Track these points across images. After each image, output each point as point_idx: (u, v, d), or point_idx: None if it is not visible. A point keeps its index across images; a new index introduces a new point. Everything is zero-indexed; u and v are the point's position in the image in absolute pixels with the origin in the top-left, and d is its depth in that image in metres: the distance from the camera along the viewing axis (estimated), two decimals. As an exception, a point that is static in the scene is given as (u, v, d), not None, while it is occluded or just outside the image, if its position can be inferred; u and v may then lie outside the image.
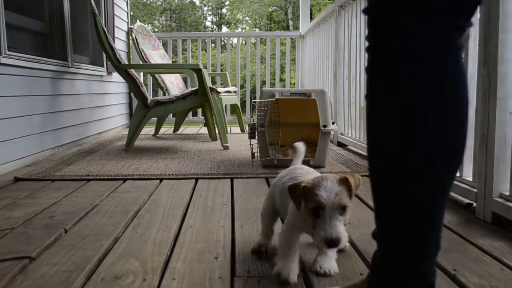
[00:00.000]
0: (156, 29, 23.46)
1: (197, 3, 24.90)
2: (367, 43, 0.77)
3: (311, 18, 5.59)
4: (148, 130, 4.77)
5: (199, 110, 5.32)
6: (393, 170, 0.76)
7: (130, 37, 5.28)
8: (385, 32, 0.74)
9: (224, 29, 25.63)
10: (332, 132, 3.57)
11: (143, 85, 3.44)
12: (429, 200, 0.81)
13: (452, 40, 0.72)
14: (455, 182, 1.77)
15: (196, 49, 5.69)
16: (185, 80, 4.79)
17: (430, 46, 0.71)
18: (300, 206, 0.99)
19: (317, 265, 1.10)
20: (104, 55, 4.24)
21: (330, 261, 1.12)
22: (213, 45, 11.64)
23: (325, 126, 2.46)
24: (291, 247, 1.08)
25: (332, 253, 1.13)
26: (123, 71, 3.28)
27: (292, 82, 10.94)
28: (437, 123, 0.72)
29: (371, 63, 0.77)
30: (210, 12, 26.08)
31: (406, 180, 0.76)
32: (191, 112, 4.91)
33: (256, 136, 2.52)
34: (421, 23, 0.70)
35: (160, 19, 24.85)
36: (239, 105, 4.47)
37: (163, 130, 4.67)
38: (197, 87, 3.36)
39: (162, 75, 4.19)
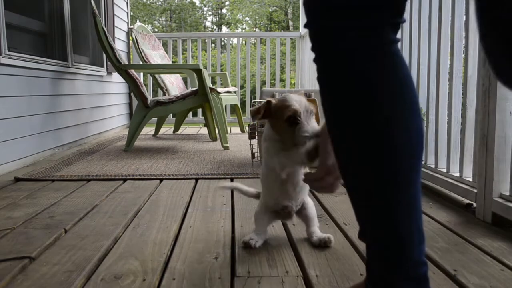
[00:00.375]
0: (156, 29, 23.47)
1: (197, 3, 24.91)
2: (310, 45, 0.81)
3: (311, 18, 5.58)
4: (148, 130, 4.77)
5: (199, 110, 5.32)
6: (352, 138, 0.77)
7: (130, 37, 5.28)
8: (323, 33, 0.77)
9: (224, 29, 25.64)
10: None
11: (143, 85, 3.44)
12: (395, 179, 0.81)
13: (385, 34, 0.75)
14: (455, 182, 1.78)
15: (196, 49, 5.69)
16: (185, 80, 4.79)
17: (366, 42, 0.74)
18: (273, 120, 1.14)
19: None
20: (104, 55, 4.24)
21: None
22: (213, 45, 11.65)
23: (325, 126, 2.46)
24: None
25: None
26: (123, 71, 3.29)
27: (292, 82, 10.94)
28: (385, 101, 0.75)
29: (315, 61, 0.80)
30: (210, 12, 26.09)
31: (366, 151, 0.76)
32: (191, 112, 4.91)
33: (256, 136, 2.52)
34: (354, 21, 0.74)
35: (160, 19, 24.86)
36: (239, 105, 4.47)
37: (163, 130, 4.67)
38: (197, 87, 3.36)
39: (162, 75, 4.19)
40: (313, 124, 1.11)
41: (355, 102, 0.75)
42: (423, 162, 2.10)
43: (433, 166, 2.01)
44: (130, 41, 5.35)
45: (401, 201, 0.82)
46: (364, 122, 0.75)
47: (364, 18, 0.74)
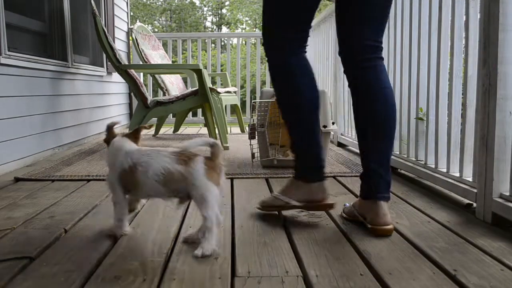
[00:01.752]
0: (156, 29, 23.46)
1: (197, 3, 24.89)
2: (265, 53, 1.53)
3: (311, 18, 5.58)
4: (148, 130, 4.76)
5: (199, 110, 5.31)
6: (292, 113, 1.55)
7: (130, 37, 5.28)
8: (270, 45, 1.51)
9: (224, 29, 25.63)
10: (332, 133, 3.57)
11: (143, 85, 3.44)
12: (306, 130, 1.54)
13: (299, 53, 1.50)
14: (455, 182, 1.78)
15: (196, 49, 5.69)
16: (185, 80, 4.79)
17: (296, 53, 1.49)
18: None
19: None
20: (104, 55, 4.24)
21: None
22: (213, 45, 11.64)
23: (325, 126, 2.46)
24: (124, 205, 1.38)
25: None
26: (123, 71, 3.29)
27: (292, 82, 10.91)
28: (308, 90, 1.53)
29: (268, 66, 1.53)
30: (210, 13, 26.07)
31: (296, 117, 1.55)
32: (191, 112, 4.91)
33: (256, 137, 2.52)
34: (289, 37, 1.47)
35: (160, 19, 24.85)
36: (239, 105, 4.47)
37: (163, 130, 4.66)
38: (197, 88, 3.36)
39: (162, 76, 4.19)
40: None
41: (286, 88, 1.52)
42: (423, 162, 2.10)
43: (433, 166, 2.01)
44: (130, 41, 5.35)
45: (306, 124, 1.53)
46: (289, 96, 1.52)
47: (287, 47, 1.47)
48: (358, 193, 1.93)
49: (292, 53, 1.47)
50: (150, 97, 3.49)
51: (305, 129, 1.51)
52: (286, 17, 1.44)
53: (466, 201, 1.76)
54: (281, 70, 1.49)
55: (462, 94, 1.81)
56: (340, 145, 3.56)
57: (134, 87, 3.35)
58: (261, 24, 1.51)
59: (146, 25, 20.97)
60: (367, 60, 1.46)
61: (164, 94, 4.16)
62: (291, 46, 1.47)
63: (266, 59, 1.53)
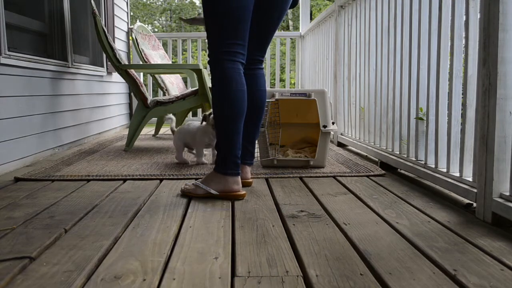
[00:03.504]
0: (156, 29, 23.46)
1: (197, 3, 24.88)
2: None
3: (311, 18, 5.59)
4: (148, 130, 4.77)
5: (199, 110, 5.31)
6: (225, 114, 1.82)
7: (130, 37, 5.28)
8: (214, 53, 1.81)
9: (224, 29, 25.57)
10: (332, 132, 3.57)
11: (143, 85, 3.44)
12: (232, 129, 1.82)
13: (237, 60, 1.81)
14: (455, 182, 1.78)
15: (196, 49, 5.68)
16: (185, 80, 4.79)
17: (228, 62, 1.79)
18: None
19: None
20: (104, 55, 4.24)
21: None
22: (213, 45, 11.62)
23: (325, 126, 2.46)
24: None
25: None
26: (123, 71, 3.28)
27: (292, 82, 10.93)
28: (236, 99, 1.80)
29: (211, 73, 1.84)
30: (210, 12, 26.03)
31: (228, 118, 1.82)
32: (191, 112, 4.91)
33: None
34: (227, 55, 1.79)
35: (160, 19, 24.84)
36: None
37: (163, 130, 4.67)
38: (197, 87, 3.36)
39: (162, 75, 4.19)
40: None
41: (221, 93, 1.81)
42: (423, 162, 2.10)
43: (433, 166, 2.01)
44: (130, 41, 5.34)
45: (232, 129, 1.80)
46: (225, 97, 1.80)
47: (230, 60, 1.80)
48: (358, 193, 1.93)
49: (231, 66, 1.79)
50: (150, 97, 3.49)
51: (231, 132, 1.80)
52: (228, 33, 1.76)
53: (466, 201, 1.76)
54: (221, 79, 1.79)
55: (462, 94, 1.81)
56: (340, 145, 3.56)
57: (134, 87, 3.35)
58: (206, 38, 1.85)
59: (146, 25, 20.97)
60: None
61: (164, 94, 4.16)
62: (231, 59, 1.79)
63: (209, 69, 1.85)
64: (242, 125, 1.83)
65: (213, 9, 1.77)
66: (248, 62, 1.96)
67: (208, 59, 1.83)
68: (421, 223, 1.50)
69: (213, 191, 1.82)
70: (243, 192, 1.85)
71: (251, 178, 2.13)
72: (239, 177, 1.85)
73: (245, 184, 2.03)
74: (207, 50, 1.83)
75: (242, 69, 1.84)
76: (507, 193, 1.46)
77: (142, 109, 3.33)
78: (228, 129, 1.80)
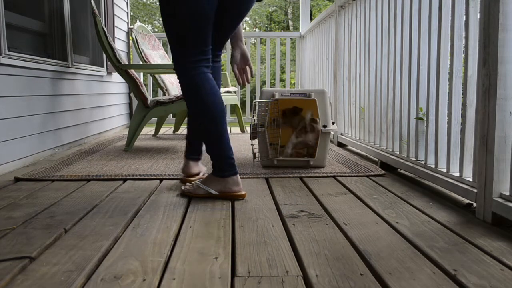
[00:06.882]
0: (156, 29, 23.45)
1: (197, 3, 24.85)
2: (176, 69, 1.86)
3: (311, 19, 5.59)
4: (148, 130, 4.77)
5: (199, 110, 5.30)
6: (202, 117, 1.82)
7: (130, 37, 5.28)
8: (179, 62, 1.83)
9: (224, 29, 25.56)
10: (332, 132, 3.57)
11: (143, 85, 3.44)
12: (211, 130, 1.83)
13: (203, 66, 1.81)
14: (455, 182, 1.78)
15: (196, 49, 5.69)
16: (185, 80, 4.77)
17: (194, 69, 1.80)
18: None
19: None
20: (104, 55, 4.24)
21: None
22: (213, 45, 11.61)
23: (325, 126, 2.46)
24: None
25: None
26: (123, 71, 3.28)
27: (292, 82, 10.93)
28: (208, 99, 1.79)
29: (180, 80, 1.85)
30: (210, 12, 26.03)
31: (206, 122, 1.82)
32: (191, 112, 4.89)
33: (258, 137, 2.52)
34: (191, 63, 1.80)
35: (160, 19, 24.83)
36: (239, 105, 4.47)
37: (163, 130, 4.67)
38: (197, 87, 3.35)
39: (162, 75, 4.19)
40: None
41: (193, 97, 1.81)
42: (423, 162, 2.10)
43: (433, 166, 2.01)
44: (130, 41, 5.34)
45: (214, 133, 1.81)
46: (197, 103, 1.80)
47: (195, 68, 1.80)
48: (358, 193, 1.93)
49: (196, 73, 1.79)
50: (150, 97, 3.49)
51: (215, 136, 1.81)
52: (189, 42, 1.78)
53: (466, 201, 1.76)
54: (189, 89, 1.81)
55: (462, 94, 1.81)
56: (340, 145, 3.56)
57: (134, 87, 3.35)
58: (171, 47, 1.85)
59: (146, 25, 20.96)
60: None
61: (164, 94, 4.16)
62: (195, 66, 1.80)
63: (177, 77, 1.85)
64: (225, 125, 1.82)
65: (172, 21, 1.78)
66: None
67: (174, 69, 1.85)
68: (421, 223, 1.50)
69: (213, 191, 1.83)
70: (243, 193, 1.85)
71: (252, 177, 2.13)
72: (238, 176, 1.85)
73: (187, 181, 2.07)
74: (172, 60, 1.85)
75: (209, 71, 1.83)
76: (507, 193, 1.46)
77: (142, 109, 3.33)
78: (210, 134, 1.81)
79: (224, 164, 1.82)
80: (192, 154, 2.13)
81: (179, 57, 1.81)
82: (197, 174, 2.14)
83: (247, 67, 2.16)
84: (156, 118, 4.38)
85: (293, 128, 2.47)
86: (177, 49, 1.82)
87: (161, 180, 2.23)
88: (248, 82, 2.21)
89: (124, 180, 2.22)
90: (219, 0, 1.80)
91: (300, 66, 5.57)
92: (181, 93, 3.48)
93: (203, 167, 2.21)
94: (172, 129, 4.68)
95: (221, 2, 1.82)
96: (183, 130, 4.89)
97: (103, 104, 4.29)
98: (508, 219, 1.42)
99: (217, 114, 1.79)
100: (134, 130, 3.26)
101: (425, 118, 2.10)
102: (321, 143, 2.47)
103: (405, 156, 2.32)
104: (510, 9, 1.44)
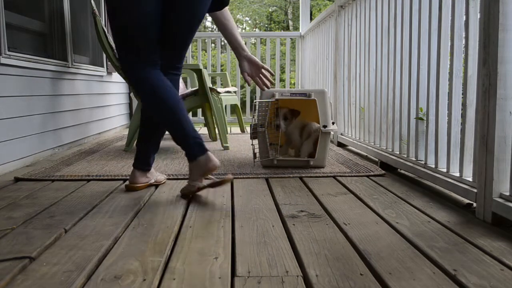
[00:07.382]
0: (156, 29, 23.40)
1: (197, 3, 24.86)
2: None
3: (311, 19, 5.59)
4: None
5: (199, 110, 5.31)
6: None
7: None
8: (126, 66, 1.88)
9: (224, 29, 25.54)
10: (332, 132, 3.57)
11: (143, 85, 3.43)
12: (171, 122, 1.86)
13: (156, 69, 1.85)
14: (455, 182, 1.78)
15: (196, 49, 5.68)
16: (185, 80, 4.79)
17: (143, 71, 1.83)
18: None
19: None
20: (104, 55, 4.24)
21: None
22: (213, 45, 11.64)
23: (325, 126, 2.46)
24: None
25: None
26: (123, 71, 3.28)
27: (292, 82, 10.94)
28: (159, 98, 1.81)
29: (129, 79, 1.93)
30: (210, 12, 26.02)
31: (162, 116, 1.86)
32: (191, 112, 4.90)
33: (258, 137, 2.52)
34: (136, 63, 1.83)
35: (160, 19, 24.81)
36: (239, 105, 4.47)
37: (163, 130, 4.66)
38: (197, 88, 3.36)
39: (162, 75, 4.18)
40: None
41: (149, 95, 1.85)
42: (423, 162, 2.10)
43: (433, 166, 2.01)
44: (130, 41, 5.33)
45: (173, 121, 1.84)
46: (154, 100, 1.83)
47: (140, 69, 1.84)
48: (358, 193, 1.93)
49: (142, 71, 1.82)
50: (150, 97, 3.48)
51: (176, 124, 1.81)
52: (132, 43, 1.80)
53: (466, 201, 1.76)
54: (138, 87, 1.85)
55: (462, 94, 1.81)
56: (340, 145, 3.56)
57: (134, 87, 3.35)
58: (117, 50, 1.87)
59: (146, 25, 20.85)
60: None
61: (164, 94, 4.15)
62: (140, 67, 1.82)
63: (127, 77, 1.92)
64: (183, 111, 1.82)
65: (114, 24, 1.81)
66: (164, 67, 1.90)
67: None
68: (421, 223, 1.50)
69: (199, 184, 1.84)
70: (218, 164, 1.84)
71: (252, 177, 2.12)
72: (209, 153, 1.82)
73: (131, 189, 1.98)
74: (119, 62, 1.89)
75: (157, 67, 1.85)
76: (507, 193, 1.46)
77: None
78: (171, 124, 1.83)
79: (192, 145, 1.81)
80: (140, 164, 2.01)
81: (123, 59, 1.86)
82: (145, 183, 2.04)
83: (263, 70, 2.11)
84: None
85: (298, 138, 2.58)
86: (121, 51, 1.86)
87: (161, 180, 2.23)
88: (272, 83, 2.17)
89: (124, 180, 2.22)
90: (164, 2, 1.78)
91: (300, 66, 5.57)
92: (181, 93, 3.50)
93: (154, 175, 2.10)
94: (172, 129, 4.68)
95: (167, 4, 1.79)
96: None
97: (103, 104, 4.29)
98: (508, 219, 1.42)
99: (170, 103, 1.79)
100: (134, 130, 3.26)
101: (425, 118, 2.10)
102: (321, 143, 2.47)
103: (405, 156, 2.32)
104: (510, 9, 1.44)
